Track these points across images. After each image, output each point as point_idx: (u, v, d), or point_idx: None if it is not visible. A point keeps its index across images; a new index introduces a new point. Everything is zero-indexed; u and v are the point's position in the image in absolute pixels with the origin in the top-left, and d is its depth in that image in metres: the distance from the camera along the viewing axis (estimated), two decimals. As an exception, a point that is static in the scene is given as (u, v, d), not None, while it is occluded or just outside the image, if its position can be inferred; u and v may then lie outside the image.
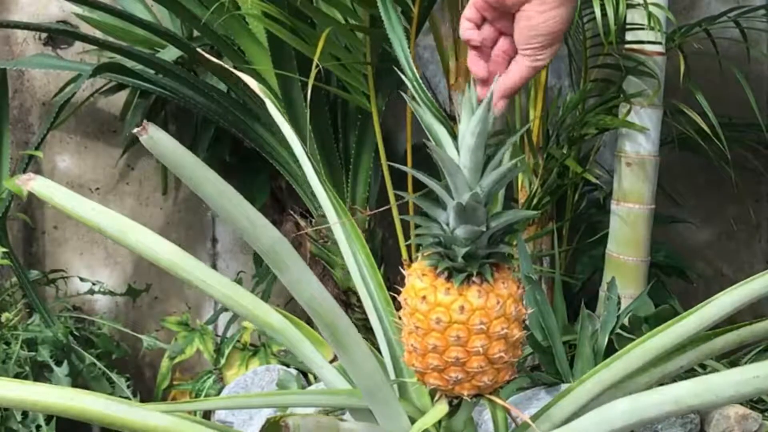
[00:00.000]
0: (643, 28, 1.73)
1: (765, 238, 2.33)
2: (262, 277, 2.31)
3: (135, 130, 0.75)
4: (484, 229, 0.90)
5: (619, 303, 1.61)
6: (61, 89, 2.16)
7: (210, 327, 2.16)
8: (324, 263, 2.06)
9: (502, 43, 0.93)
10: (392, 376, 1.07)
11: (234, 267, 2.43)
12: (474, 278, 0.91)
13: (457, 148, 0.90)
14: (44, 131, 2.00)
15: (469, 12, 0.92)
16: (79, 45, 2.25)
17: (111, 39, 2.10)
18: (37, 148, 2.01)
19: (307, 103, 1.61)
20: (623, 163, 1.85)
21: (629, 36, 1.80)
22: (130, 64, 1.99)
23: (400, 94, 1.92)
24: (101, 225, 0.91)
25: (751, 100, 1.87)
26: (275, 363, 1.99)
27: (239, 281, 2.33)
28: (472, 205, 0.87)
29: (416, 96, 0.94)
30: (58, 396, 0.90)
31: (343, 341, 0.89)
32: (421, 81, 0.96)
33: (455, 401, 0.96)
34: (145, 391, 2.18)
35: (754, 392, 0.74)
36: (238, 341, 2.09)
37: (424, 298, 0.92)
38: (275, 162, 2.04)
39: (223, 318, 2.28)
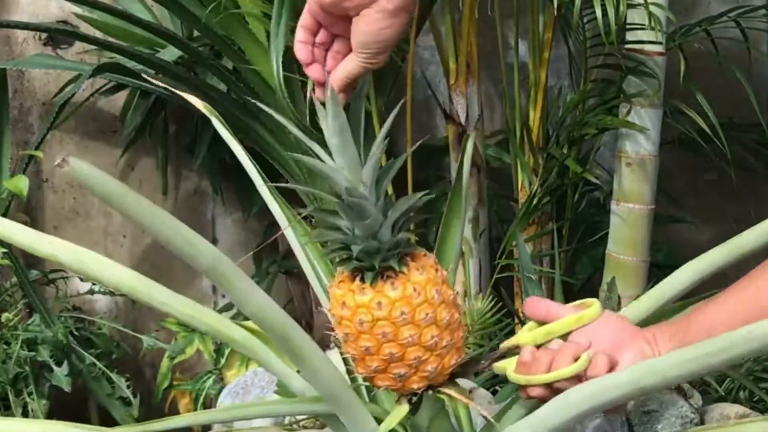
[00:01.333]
0: (643, 28, 1.73)
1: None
2: (262, 278, 2.31)
3: (56, 163, 0.76)
4: (381, 220, 0.90)
5: (619, 303, 1.62)
6: (61, 89, 2.16)
7: (210, 327, 2.16)
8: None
9: (337, 46, 0.95)
10: (360, 380, 1.07)
11: (234, 267, 2.43)
12: (387, 273, 0.91)
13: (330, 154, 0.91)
14: (44, 131, 2.00)
15: (303, 19, 0.93)
16: (79, 45, 2.25)
17: (111, 39, 2.10)
18: (37, 148, 2.01)
19: (307, 103, 1.60)
20: (623, 163, 1.85)
21: (629, 36, 1.80)
22: (130, 64, 1.99)
23: (400, 95, 1.93)
24: (60, 257, 0.92)
25: (752, 100, 1.87)
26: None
27: (239, 281, 2.33)
28: (356, 201, 0.88)
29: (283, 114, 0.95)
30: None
31: (298, 351, 0.89)
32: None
33: (414, 399, 0.96)
34: (145, 391, 2.18)
35: (702, 369, 0.76)
36: (238, 341, 2.09)
37: (344, 303, 0.92)
38: (275, 162, 2.04)
39: (223, 318, 2.28)
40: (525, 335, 1.00)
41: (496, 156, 2.22)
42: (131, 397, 2.01)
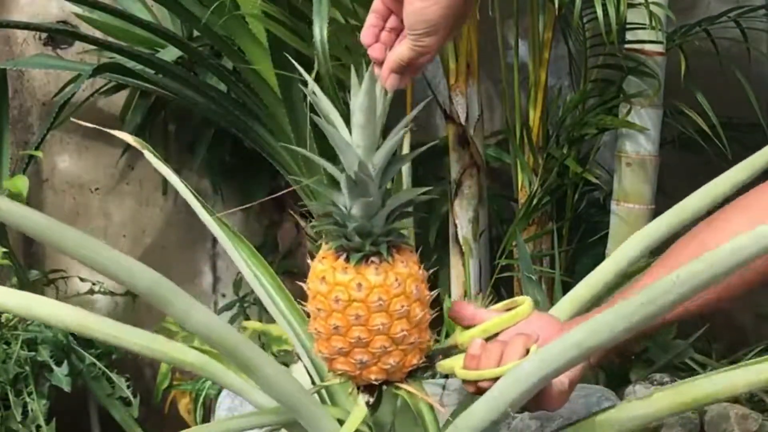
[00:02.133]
0: (643, 28, 1.73)
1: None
2: (262, 277, 2.30)
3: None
4: (380, 205, 0.90)
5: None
6: (61, 89, 2.16)
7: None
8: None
9: (393, 22, 0.95)
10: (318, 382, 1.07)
11: (234, 267, 2.42)
12: (373, 258, 0.91)
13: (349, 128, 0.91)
14: (44, 131, 2.00)
15: (374, 4, 0.94)
16: (79, 45, 2.25)
17: (111, 39, 2.10)
18: (37, 149, 2.01)
19: (307, 103, 1.60)
20: (623, 163, 1.85)
21: (629, 36, 1.80)
22: (130, 64, 1.99)
23: (400, 95, 1.92)
24: (7, 305, 0.92)
25: (752, 100, 1.87)
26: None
27: (239, 281, 2.33)
28: (362, 178, 0.88)
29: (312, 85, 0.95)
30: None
31: (248, 363, 0.89)
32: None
33: (370, 400, 0.96)
34: (145, 392, 2.18)
35: (642, 319, 0.77)
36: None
37: (323, 278, 0.93)
38: (275, 162, 2.04)
39: (223, 318, 2.28)
40: (462, 335, 1.01)
41: (496, 156, 2.22)
42: (131, 397, 2.01)
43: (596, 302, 1.08)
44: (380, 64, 0.93)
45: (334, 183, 0.92)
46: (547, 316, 1.01)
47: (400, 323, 0.92)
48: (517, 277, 1.95)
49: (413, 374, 0.97)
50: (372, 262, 0.92)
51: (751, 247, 0.70)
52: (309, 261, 0.97)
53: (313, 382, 1.09)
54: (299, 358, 1.13)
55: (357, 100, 0.88)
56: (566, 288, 1.89)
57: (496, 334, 1.00)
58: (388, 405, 0.99)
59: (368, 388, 0.96)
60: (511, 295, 1.97)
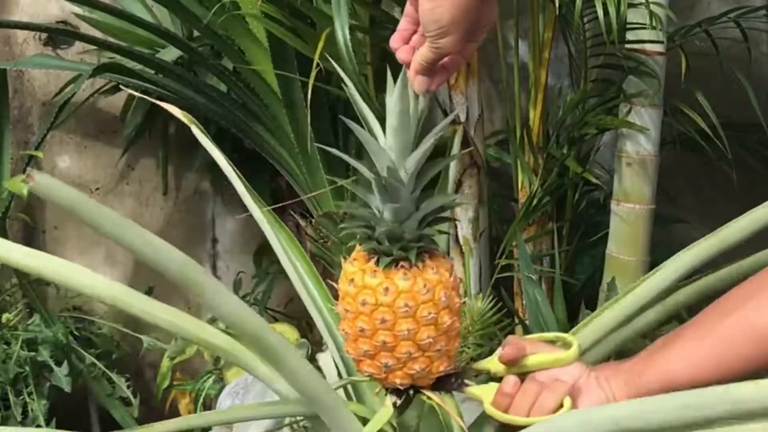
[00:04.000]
0: (644, 28, 1.73)
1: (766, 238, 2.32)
2: (262, 278, 2.31)
3: (21, 179, 0.75)
4: (411, 210, 0.90)
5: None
6: (61, 89, 2.16)
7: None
8: (324, 263, 2.06)
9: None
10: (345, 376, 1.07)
11: (234, 267, 2.43)
12: (402, 262, 0.91)
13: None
14: (44, 131, 2.00)
15: (406, 8, 0.94)
16: (79, 45, 2.25)
17: (111, 39, 2.10)
18: (37, 148, 2.01)
19: (307, 103, 1.60)
20: (623, 163, 1.85)
21: (630, 36, 1.80)
22: (130, 64, 1.99)
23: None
24: (44, 272, 0.91)
25: (753, 100, 1.86)
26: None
27: (239, 281, 2.33)
28: (392, 183, 0.88)
29: (348, 82, 0.94)
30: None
31: (273, 352, 0.89)
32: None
33: (398, 402, 0.96)
34: (145, 392, 2.18)
35: (686, 424, 0.74)
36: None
37: (352, 280, 0.93)
38: (275, 162, 2.04)
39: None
40: (497, 364, 0.98)
41: (496, 156, 2.22)
42: (131, 397, 2.02)
43: (616, 331, 1.06)
44: (408, 66, 0.93)
45: (368, 185, 0.92)
46: (580, 363, 0.97)
47: (426, 330, 0.91)
48: (517, 277, 1.95)
49: (442, 381, 0.97)
50: (402, 266, 0.91)
51: None
52: (309, 250, 0.97)
53: (340, 376, 1.09)
54: (329, 349, 1.13)
55: (392, 105, 0.88)
56: (566, 288, 1.90)
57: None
58: (415, 409, 0.99)
59: (396, 390, 0.96)
60: (511, 295, 1.97)
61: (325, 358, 1.23)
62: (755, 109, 1.88)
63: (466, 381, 0.98)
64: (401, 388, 0.95)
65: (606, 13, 1.60)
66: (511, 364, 0.98)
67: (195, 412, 2.01)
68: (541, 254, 1.96)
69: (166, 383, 2.09)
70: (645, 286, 1.03)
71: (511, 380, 0.95)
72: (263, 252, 2.42)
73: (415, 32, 0.94)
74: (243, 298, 2.30)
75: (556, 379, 0.95)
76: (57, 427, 1.88)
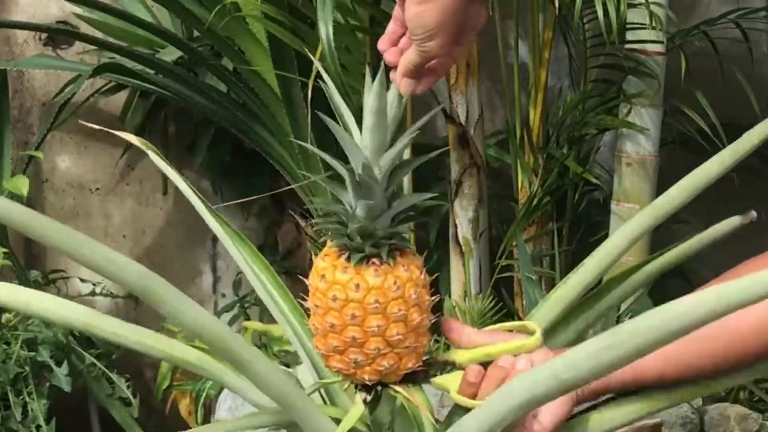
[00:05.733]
0: (644, 28, 1.73)
1: (766, 238, 2.32)
2: (262, 278, 2.30)
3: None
4: (384, 208, 0.90)
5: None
6: (61, 89, 2.16)
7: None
8: (324, 263, 2.06)
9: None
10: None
11: (234, 267, 2.43)
12: (374, 259, 0.91)
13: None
14: (44, 131, 2.00)
15: (395, 11, 0.94)
16: (79, 45, 2.25)
17: (111, 39, 2.10)
18: (37, 149, 2.01)
19: (307, 103, 1.60)
20: (623, 163, 1.85)
21: (630, 36, 1.80)
22: (130, 64, 1.99)
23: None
24: (7, 302, 0.91)
25: (753, 100, 1.87)
26: (276, 363, 1.99)
27: (239, 282, 2.33)
28: (366, 180, 0.88)
29: (329, 77, 0.95)
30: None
31: (241, 360, 0.88)
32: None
33: (368, 397, 0.96)
34: (146, 392, 2.18)
35: (608, 363, 0.74)
36: (239, 341, 2.09)
37: (323, 276, 0.93)
38: (275, 162, 2.04)
39: (224, 319, 2.28)
40: (461, 355, 0.99)
41: (496, 156, 2.22)
42: (131, 398, 2.01)
43: (576, 305, 1.07)
44: (395, 68, 0.94)
45: (341, 181, 0.92)
46: (545, 349, 0.98)
47: (396, 326, 0.92)
48: (517, 277, 1.95)
49: (411, 377, 0.97)
50: (373, 263, 0.92)
51: (712, 303, 0.65)
52: (313, 258, 0.97)
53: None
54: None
55: (368, 101, 0.89)
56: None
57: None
58: (387, 405, 0.99)
59: (365, 387, 0.97)
60: (511, 295, 1.97)
61: (302, 370, 1.23)
62: (755, 109, 1.88)
63: (432, 372, 0.99)
64: (369, 384, 0.95)
65: (606, 13, 1.61)
66: (450, 339, 1.00)
67: (195, 412, 2.00)
68: (541, 254, 1.96)
69: (166, 383, 2.09)
70: (591, 262, 1.04)
71: (474, 369, 0.96)
72: (263, 252, 2.42)
73: (403, 34, 0.94)
74: (243, 298, 2.30)
75: (521, 362, 0.95)
76: (57, 427, 1.88)
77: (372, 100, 0.88)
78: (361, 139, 0.91)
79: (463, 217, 1.94)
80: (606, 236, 1.89)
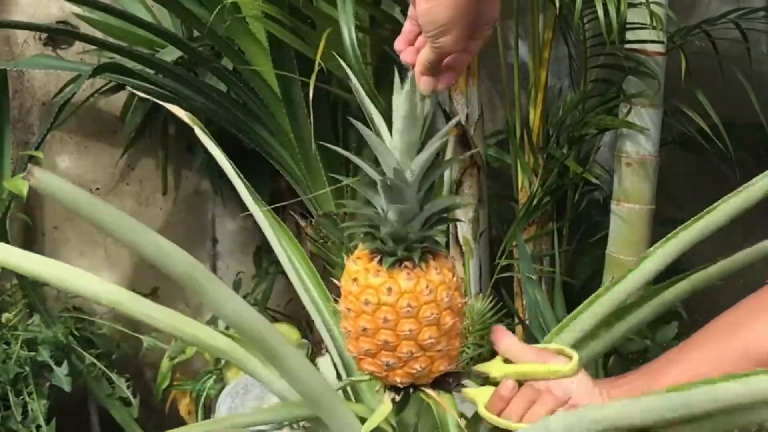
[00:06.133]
0: (644, 28, 1.73)
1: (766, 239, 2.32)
2: (262, 278, 2.31)
3: (22, 176, 0.75)
4: (416, 211, 0.90)
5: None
6: (61, 89, 2.16)
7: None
8: (324, 263, 2.06)
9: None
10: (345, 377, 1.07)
11: (234, 267, 2.43)
12: (406, 263, 0.91)
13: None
14: (44, 131, 2.00)
15: (410, 10, 0.94)
16: (79, 45, 2.25)
17: (111, 39, 2.10)
18: (37, 149, 2.01)
19: (308, 103, 1.60)
20: (623, 163, 1.85)
21: (630, 36, 1.80)
22: (130, 64, 1.99)
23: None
24: (44, 276, 0.91)
25: (754, 100, 1.87)
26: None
27: (239, 282, 2.33)
28: (397, 184, 0.88)
29: (356, 81, 0.94)
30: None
31: (274, 353, 0.89)
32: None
33: (397, 398, 0.96)
34: (146, 392, 2.18)
35: (668, 419, 0.76)
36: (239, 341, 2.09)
37: (355, 280, 0.93)
38: (275, 162, 2.04)
39: (223, 318, 2.28)
40: (497, 369, 0.99)
41: (496, 156, 2.22)
42: (131, 397, 2.01)
43: (594, 332, 1.07)
44: (413, 67, 0.93)
45: (372, 185, 0.92)
46: (582, 375, 0.98)
47: (428, 330, 0.92)
48: (517, 277, 1.95)
49: (441, 380, 0.97)
50: (405, 266, 0.91)
51: None
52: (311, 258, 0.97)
53: (339, 378, 1.09)
54: (327, 352, 1.13)
55: (399, 105, 0.88)
56: (566, 288, 1.90)
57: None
58: (414, 407, 0.99)
59: (395, 388, 0.96)
60: (511, 295, 1.97)
61: (324, 362, 1.23)
62: (757, 109, 1.88)
63: (464, 382, 0.99)
64: (401, 386, 0.95)
65: (606, 13, 1.61)
66: (499, 351, 1.00)
67: (195, 412, 2.01)
68: (541, 254, 1.96)
69: (166, 383, 2.09)
70: (624, 284, 1.04)
71: (509, 384, 0.95)
72: (263, 252, 2.42)
73: (419, 34, 0.94)
74: (243, 298, 2.29)
75: (550, 392, 0.95)
76: (57, 427, 1.88)
77: (402, 102, 0.88)
78: (391, 142, 0.90)
79: (463, 217, 1.94)
80: (606, 236, 1.90)
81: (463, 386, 0.98)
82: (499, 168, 2.25)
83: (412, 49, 0.93)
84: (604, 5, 1.60)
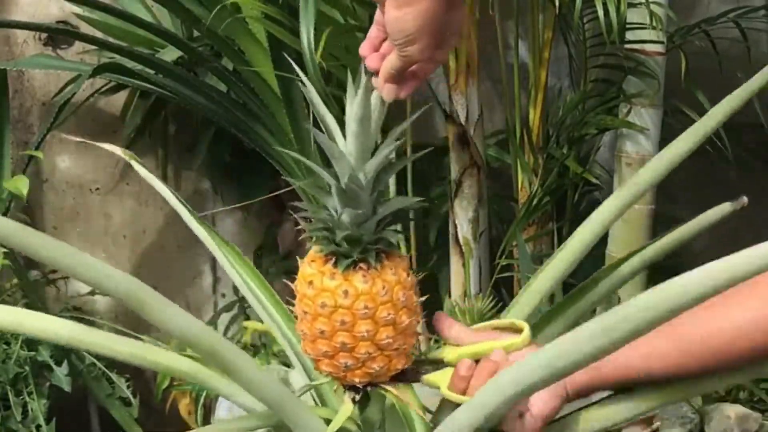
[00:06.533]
0: (644, 28, 1.73)
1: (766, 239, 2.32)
2: (262, 278, 2.30)
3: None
4: (370, 214, 0.90)
5: (619, 303, 1.61)
6: (61, 89, 2.16)
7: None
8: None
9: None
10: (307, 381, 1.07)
11: (234, 267, 2.43)
12: (361, 264, 0.91)
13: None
14: (44, 131, 2.00)
15: (377, 15, 0.93)
16: (79, 45, 2.25)
17: (111, 39, 2.10)
18: (37, 149, 2.01)
19: (308, 103, 1.60)
20: (623, 163, 1.85)
21: (629, 36, 1.80)
22: (130, 64, 1.99)
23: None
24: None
25: (754, 100, 1.86)
26: (276, 363, 1.99)
27: (239, 281, 2.33)
28: (352, 188, 0.88)
29: (310, 82, 0.94)
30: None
31: (229, 365, 0.88)
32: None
33: (357, 397, 0.96)
34: (145, 392, 2.18)
35: (595, 349, 0.76)
36: (239, 342, 2.09)
37: (311, 283, 0.92)
38: (275, 162, 2.04)
39: (224, 318, 2.28)
40: (451, 353, 0.99)
41: (496, 156, 2.22)
42: (131, 397, 2.01)
43: (562, 300, 1.08)
44: (378, 74, 0.93)
45: (327, 188, 0.92)
46: (535, 347, 0.99)
47: (385, 330, 0.92)
48: (517, 277, 1.95)
49: (401, 375, 0.97)
50: (360, 268, 0.91)
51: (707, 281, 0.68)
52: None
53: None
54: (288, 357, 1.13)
55: (352, 109, 0.88)
56: (566, 289, 1.90)
57: None
58: (377, 404, 1.00)
59: (354, 387, 0.97)
60: (511, 295, 1.97)
61: (295, 376, 1.22)
62: (755, 109, 1.88)
63: (422, 371, 0.99)
64: (359, 386, 0.95)
65: (606, 13, 1.61)
66: (441, 335, 1.01)
67: (195, 412, 2.01)
68: (541, 254, 1.96)
69: (166, 383, 2.09)
70: (562, 254, 1.05)
71: (465, 363, 0.96)
72: (263, 252, 2.42)
73: (385, 39, 0.94)
74: (243, 298, 2.30)
75: (507, 361, 0.96)
76: (57, 427, 1.88)
77: (356, 107, 0.88)
78: (345, 146, 0.90)
79: (463, 217, 1.94)
80: (606, 236, 1.90)
81: (422, 374, 0.99)
82: (499, 168, 2.25)
83: (377, 55, 0.93)
84: (604, 5, 1.60)
